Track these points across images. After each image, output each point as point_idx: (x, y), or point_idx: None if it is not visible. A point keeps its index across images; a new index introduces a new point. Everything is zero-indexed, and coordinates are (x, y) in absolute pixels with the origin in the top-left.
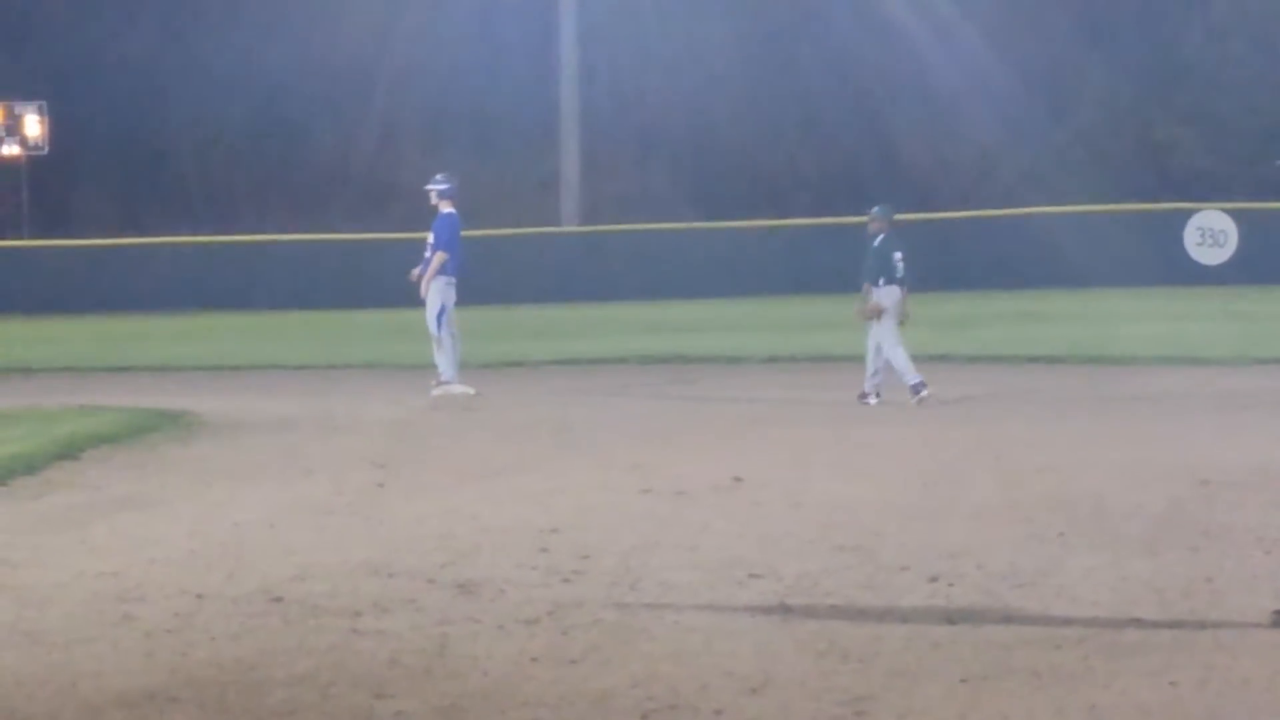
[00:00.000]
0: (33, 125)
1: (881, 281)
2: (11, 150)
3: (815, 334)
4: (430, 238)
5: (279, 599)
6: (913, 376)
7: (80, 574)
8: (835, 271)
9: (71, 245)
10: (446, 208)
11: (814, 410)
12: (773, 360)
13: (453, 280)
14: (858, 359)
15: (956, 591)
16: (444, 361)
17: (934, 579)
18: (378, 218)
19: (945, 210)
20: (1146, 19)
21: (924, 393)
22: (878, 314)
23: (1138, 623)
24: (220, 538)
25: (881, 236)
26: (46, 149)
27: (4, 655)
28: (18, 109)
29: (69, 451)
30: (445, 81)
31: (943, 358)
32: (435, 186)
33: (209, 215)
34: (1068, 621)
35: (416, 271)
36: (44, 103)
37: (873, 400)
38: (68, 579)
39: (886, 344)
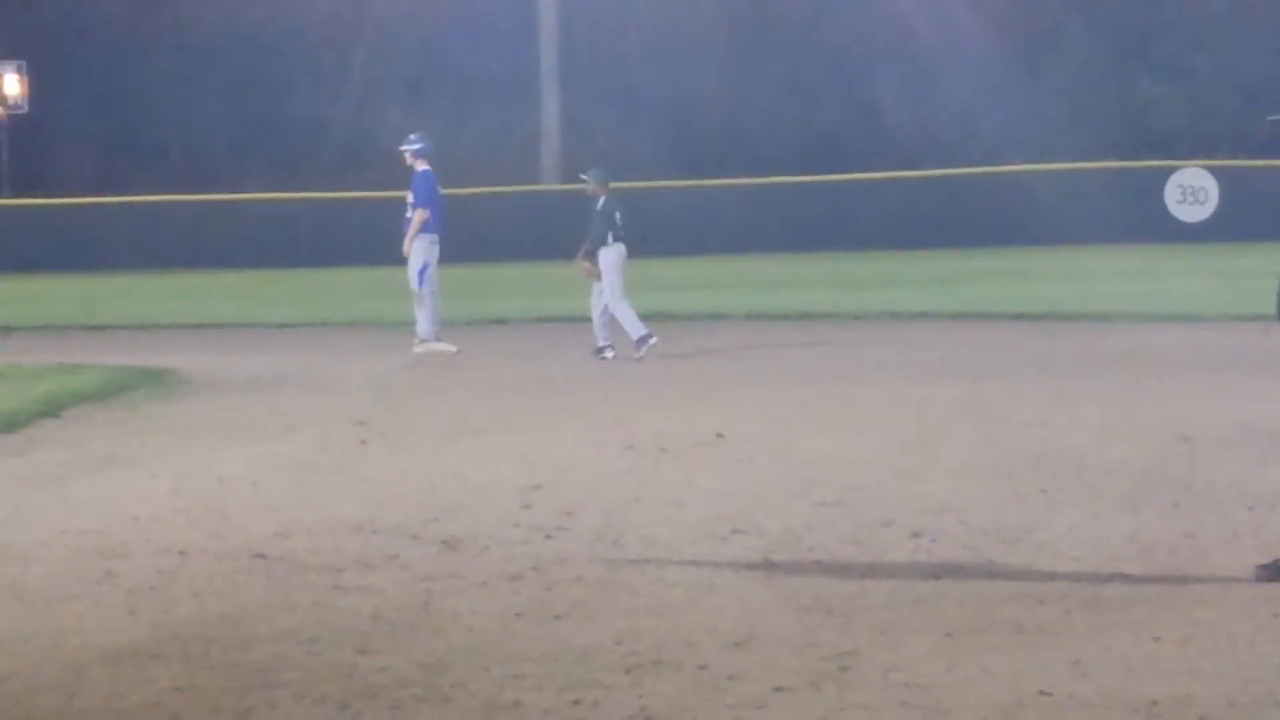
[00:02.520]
0: (12, 84)
1: (610, 239)
2: None
3: (797, 291)
4: (409, 197)
5: (262, 556)
6: (638, 329)
7: (62, 531)
8: (816, 229)
9: (51, 204)
10: (422, 166)
11: (796, 367)
12: (754, 317)
13: (435, 238)
14: (838, 317)
15: (939, 547)
16: (423, 319)
17: (917, 534)
18: (357, 177)
19: (926, 169)
20: None
21: (651, 342)
22: (597, 274)
23: (1120, 578)
24: (203, 495)
25: (602, 199)
26: (26, 108)
27: None
28: None
29: (50, 410)
30: (425, 40)
31: (924, 315)
32: (409, 146)
33: (188, 174)
34: (1050, 576)
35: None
36: (23, 62)
37: (610, 354)
38: (50, 537)
39: (612, 300)
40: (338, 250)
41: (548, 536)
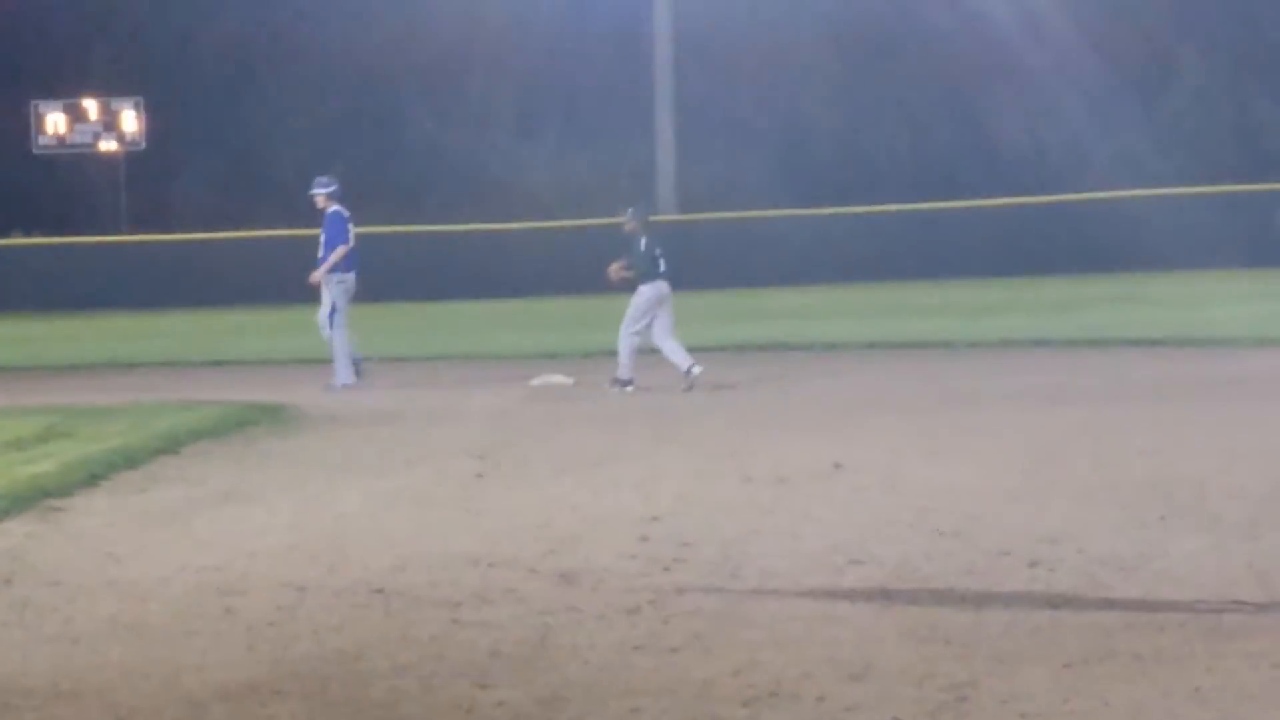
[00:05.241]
0: (130, 121)
1: (655, 275)
2: (109, 146)
3: (912, 319)
4: (322, 237)
5: (380, 590)
6: (627, 371)
7: (182, 567)
8: (930, 257)
9: (169, 240)
10: (333, 207)
11: (912, 395)
12: (870, 346)
13: (346, 277)
14: (954, 344)
15: (1057, 576)
16: (340, 358)
17: (1034, 564)
18: (472, 208)
19: (1040, 195)
20: (1237, 1)
21: (627, 390)
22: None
23: (1240, 605)
24: (321, 530)
25: (643, 239)
26: (144, 144)
27: (108, 649)
28: (115, 105)
29: (170, 446)
30: (539, 70)
31: (1040, 342)
32: (321, 190)
33: (305, 208)
34: (1170, 605)
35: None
36: (141, 98)
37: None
38: (170, 573)
39: (623, 329)
40: (454, 283)
41: (665, 569)
